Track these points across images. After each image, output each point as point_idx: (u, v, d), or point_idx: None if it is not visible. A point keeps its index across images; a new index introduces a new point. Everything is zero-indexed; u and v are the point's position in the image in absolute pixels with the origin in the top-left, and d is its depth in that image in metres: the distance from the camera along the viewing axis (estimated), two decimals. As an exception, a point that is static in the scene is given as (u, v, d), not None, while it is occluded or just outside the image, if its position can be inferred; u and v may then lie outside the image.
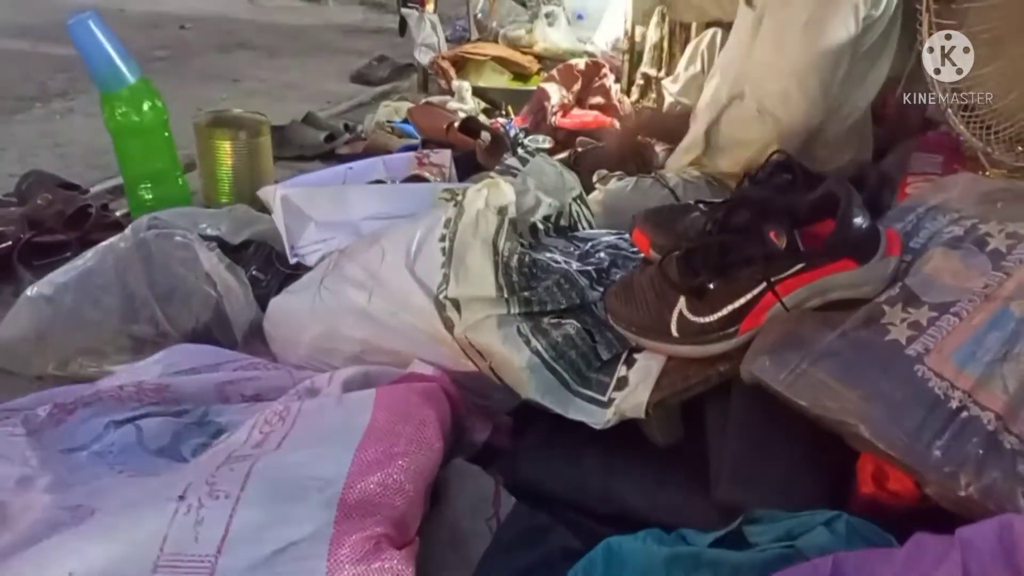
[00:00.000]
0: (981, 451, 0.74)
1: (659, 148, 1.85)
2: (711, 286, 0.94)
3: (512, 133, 2.01)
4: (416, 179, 1.64)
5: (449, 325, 1.01)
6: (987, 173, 1.21)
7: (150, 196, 1.65)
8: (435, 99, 2.40)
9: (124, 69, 1.55)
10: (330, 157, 2.19)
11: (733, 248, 0.93)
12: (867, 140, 1.61)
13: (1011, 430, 0.75)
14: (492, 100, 2.47)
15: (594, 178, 1.56)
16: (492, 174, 1.25)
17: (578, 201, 1.27)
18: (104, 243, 1.30)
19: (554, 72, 2.29)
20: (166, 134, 1.65)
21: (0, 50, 3.32)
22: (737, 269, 0.93)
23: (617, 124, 2.02)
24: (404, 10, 2.85)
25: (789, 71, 1.37)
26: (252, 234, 1.39)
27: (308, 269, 1.26)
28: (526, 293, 1.01)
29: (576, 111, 2.19)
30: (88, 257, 1.27)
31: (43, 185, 1.69)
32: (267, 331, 1.21)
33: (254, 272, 1.33)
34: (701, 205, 1.10)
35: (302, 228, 1.33)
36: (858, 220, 0.90)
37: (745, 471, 0.87)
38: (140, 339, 1.23)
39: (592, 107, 2.22)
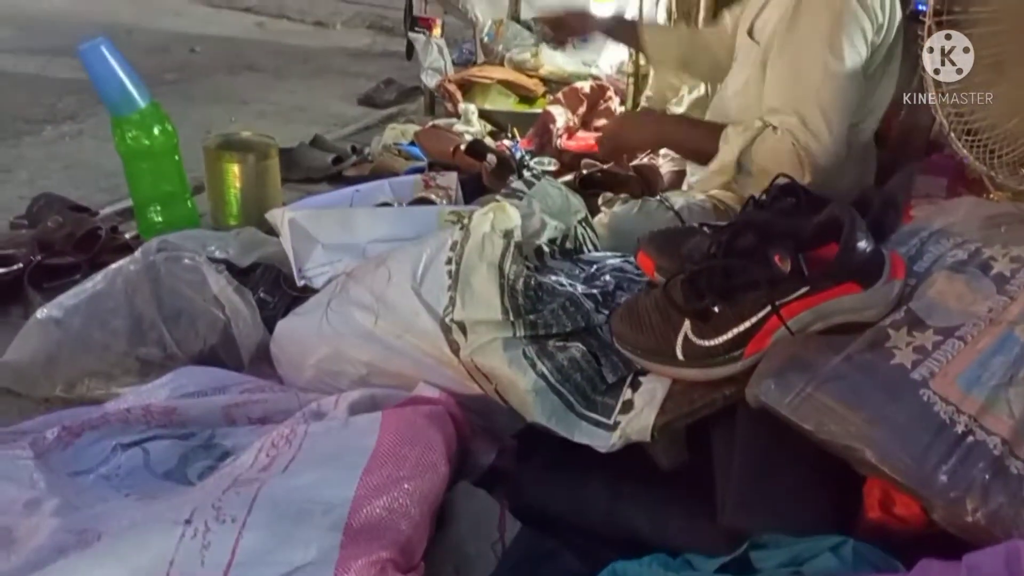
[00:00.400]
0: (987, 476, 0.74)
1: (664, 171, 1.86)
2: (716, 309, 0.94)
3: (518, 155, 2.02)
4: (422, 201, 1.66)
5: (455, 348, 1.02)
6: (991, 196, 1.22)
7: (159, 219, 1.67)
8: (441, 122, 2.42)
9: (135, 94, 1.57)
10: (337, 179, 2.21)
11: (738, 272, 0.94)
12: (871, 163, 1.62)
13: (1017, 455, 0.75)
14: (498, 123, 2.49)
15: (599, 201, 1.57)
16: (498, 197, 1.26)
17: (583, 224, 1.28)
18: (113, 266, 1.31)
19: (559, 95, 2.31)
20: (176, 157, 1.67)
21: (11, 73, 3.36)
22: (742, 292, 0.93)
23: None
24: (411, 34, 2.88)
25: (813, 101, 1.38)
26: (260, 257, 1.40)
27: (315, 291, 1.27)
28: (532, 316, 1.02)
29: (581, 133, 2.21)
30: (97, 280, 1.28)
31: (53, 207, 1.71)
32: (274, 353, 1.22)
33: (261, 294, 1.34)
34: (706, 228, 1.10)
35: (309, 251, 1.34)
36: (862, 244, 0.90)
37: (751, 496, 0.87)
38: (148, 361, 1.23)
39: (597, 129, 2.23)
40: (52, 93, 3.03)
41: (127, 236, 1.67)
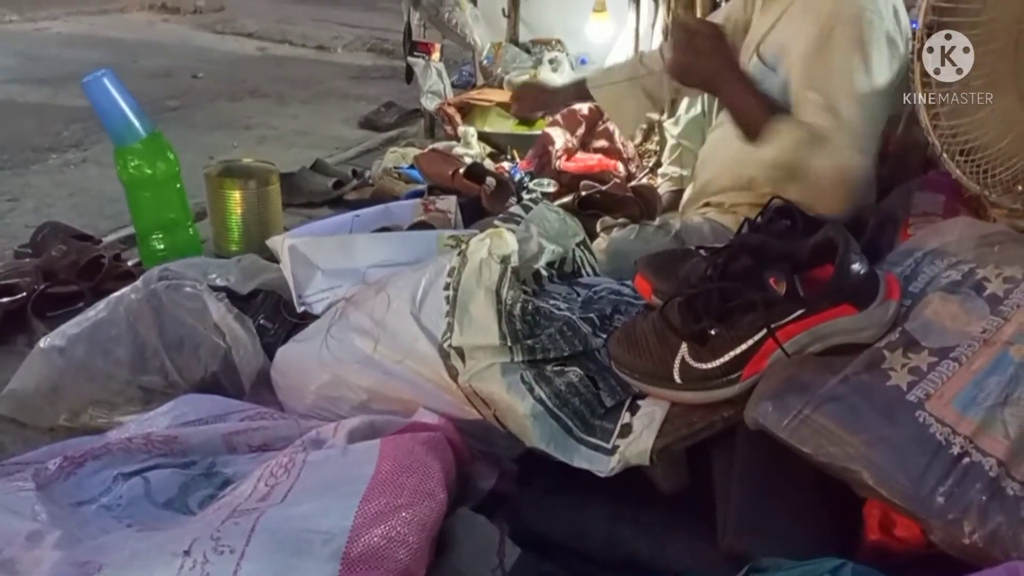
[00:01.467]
0: (984, 498, 0.74)
1: (662, 191, 1.87)
2: (713, 332, 0.94)
3: (517, 177, 2.03)
4: (422, 225, 1.66)
5: (453, 373, 1.02)
6: (990, 212, 1.22)
7: (162, 246, 1.68)
8: (441, 145, 2.43)
9: (137, 124, 1.59)
10: (338, 203, 2.22)
11: (734, 294, 0.94)
12: (873, 182, 1.62)
13: (1013, 476, 0.75)
14: (497, 145, 2.50)
15: (598, 226, 1.58)
16: (496, 222, 1.26)
17: (581, 247, 1.29)
18: (116, 294, 1.32)
19: (558, 117, 2.33)
20: (178, 185, 1.69)
21: (19, 102, 3.40)
22: (738, 315, 0.94)
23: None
24: (411, 58, 2.90)
25: (852, 127, 1.37)
26: (260, 284, 1.41)
27: (315, 318, 1.27)
28: (529, 341, 1.02)
29: (580, 155, 2.22)
30: (100, 308, 1.29)
31: (57, 236, 1.72)
32: (274, 380, 1.23)
33: (262, 321, 1.35)
34: (702, 251, 1.11)
35: (309, 277, 1.35)
36: (856, 266, 0.91)
37: (751, 519, 0.87)
38: (150, 390, 1.24)
39: (596, 151, 2.25)
40: (58, 121, 3.07)
41: (130, 264, 1.68)
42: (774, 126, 1.39)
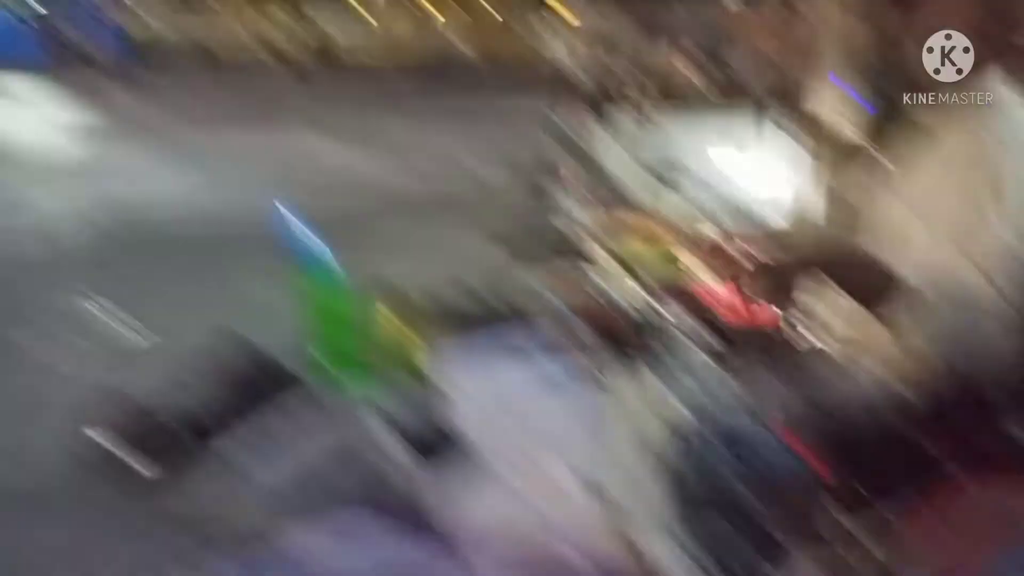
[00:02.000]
0: None
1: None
2: (871, 495, 0.94)
3: (661, 314, 1.98)
4: (565, 353, 1.70)
5: (603, 519, 1.05)
6: None
7: (335, 369, 1.79)
8: (577, 270, 2.46)
9: (319, 254, 1.75)
10: (484, 325, 2.29)
11: (896, 457, 0.94)
12: None
13: None
14: (637, 275, 2.49)
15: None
16: (642, 364, 1.30)
17: (732, 397, 1.29)
18: (287, 410, 1.45)
19: (706, 253, 2.22)
20: (352, 313, 1.82)
21: (204, 219, 3.74)
22: (899, 480, 0.93)
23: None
24: (544, 180, 3.00)
25: None
26: (417, 408, 1.51)
27: (470, 448, 1.34)
28: (679, 488, 1.04)
29: (732, 298, 2.08)
30: (273, 424, 1.44)
31: (237, 348, 1.88)
32: (428, 508, 1.29)
33: (416, 445, 1.43)
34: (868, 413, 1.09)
35: (459, 402, 1.43)
36: None
37: None
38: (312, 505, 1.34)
39: (752, 300, 2.06)
40: (238, 241, 3.31)
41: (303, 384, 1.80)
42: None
